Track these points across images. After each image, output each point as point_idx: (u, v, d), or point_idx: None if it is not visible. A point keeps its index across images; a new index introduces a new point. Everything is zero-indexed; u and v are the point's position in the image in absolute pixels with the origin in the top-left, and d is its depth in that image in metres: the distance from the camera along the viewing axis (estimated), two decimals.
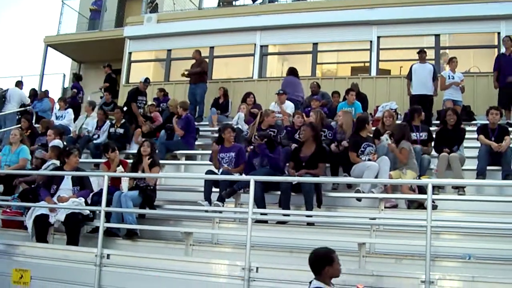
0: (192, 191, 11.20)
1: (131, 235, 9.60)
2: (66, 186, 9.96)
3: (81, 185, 10.06)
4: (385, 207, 9.79)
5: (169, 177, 12.13)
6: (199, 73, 17.49)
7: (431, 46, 17.39)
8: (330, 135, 11.57)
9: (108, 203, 9.36)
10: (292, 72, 16.73)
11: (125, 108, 15.86)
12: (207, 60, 18.94)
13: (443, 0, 17.58)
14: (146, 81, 16.63)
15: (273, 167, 10.22)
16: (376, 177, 9.89)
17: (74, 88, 20.27)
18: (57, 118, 16.19)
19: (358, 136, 10.68)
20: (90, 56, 23.22)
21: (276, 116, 13.06)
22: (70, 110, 16.66)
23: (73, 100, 19.10)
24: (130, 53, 21.08)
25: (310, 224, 9.40)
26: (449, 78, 14.46)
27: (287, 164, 10.60)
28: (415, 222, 8.63)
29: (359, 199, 10.10)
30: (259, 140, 10.46)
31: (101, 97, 19.39)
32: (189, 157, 13.59)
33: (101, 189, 9.28)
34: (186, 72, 17.71)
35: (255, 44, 19.38)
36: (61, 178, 10.08)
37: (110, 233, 9.63)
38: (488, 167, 10.47)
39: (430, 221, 7.02)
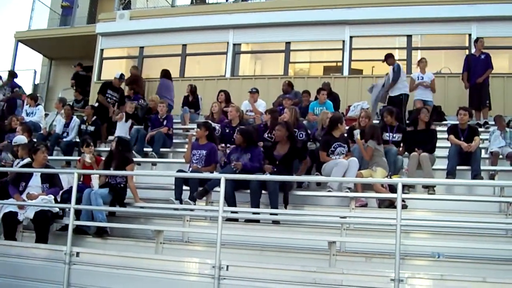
0: (163, 189, 11.17)
1: (101, 233, 9.56)
2: (35, 183, 9.89)
3: (51, 182, 10.00)
4: (356, 206, 9.86)
5: (141, 175, 12.07)
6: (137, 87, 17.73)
7: (403, 47, 17.55)
8: (302, 135, 11.57)
9: (78, 201, 9.27)
10: (166, 74, 17.11)
11: (96, 104, 15.76)
12: (179, 57, 18.99)
13: (415, 1, 17.71)
14: (121, 77, 16.49)
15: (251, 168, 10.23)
16: (345, 175, 9.95)
17: (13, 87, 19.62)
18: (27, 114, 16.01)
19: (330, 136, 10.74)
20: (61, 52, 22.98)
21: (248, 114, 13.08)
22: (41, 107, 16.49)
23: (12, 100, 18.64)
24: (102, 50, 20.91)
25: (276, 222, 9.43)
26: (418, 79, 14.52)
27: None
28: (385, 221, 8.70)
29: (330, 190, 10.19)
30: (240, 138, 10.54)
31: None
32: (160, 155, 13.53)
33: (71, 187, 9.17)
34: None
35: (228, 43, 19.36)
36: (30, 175, 9.99)
37: (80, 231, 9.57)
38: (458, 167, 10.61)
39: (400, 220, 7.08)
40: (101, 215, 9.59)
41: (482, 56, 14.66)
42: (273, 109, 12.85)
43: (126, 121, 14.25)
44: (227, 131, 12.28)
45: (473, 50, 15.95)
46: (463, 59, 15.85)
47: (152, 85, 19.38)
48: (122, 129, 13.98)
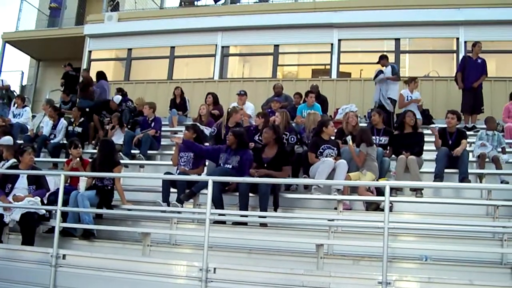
0: (151, 191, 11.12)
1: (87, 235, 9.50)
2: (22, 185, 9.83)
3: (37, 184, 9.94)
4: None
5: (128, 177, 12.01)
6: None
7: (391, 50, 17.59)
8: (292, 139, 11.57)
9: (65, 203, 9.24)
10: (102, 75, 17.36)
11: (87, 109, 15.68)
12: (167, 60, 19.05)
13: (403, 5, 17.80)
14: (120, 103, 16.16)
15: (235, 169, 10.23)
16: (332, 177, 10.00)
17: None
18: (14, 116, 15.94)
19: (319, 138, 10.74)
20: (49, 53, 22.92)
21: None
22: (28, 109, 16.44)
23: None
24: (90, 52, 20.88)
25: (263, 225, 9.43)
26: (407, 98, 14.42)
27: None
28: (373, 224, 8.68)
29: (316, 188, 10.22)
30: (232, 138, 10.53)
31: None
32: (148, 158, 13.50)
33: (58, 189, 9.13)
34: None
35: (216, 45, 19.39)
36: (16, 177, 9.94)
37: (67, 233, 9.50)
38: (445, 170, 10.62)
39: (387, 223, 7.09)
40: (88, 217, 9.54)
41: (479, 61, 14.62)
42: (265, 112, 12.83)
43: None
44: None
45: (461, 54, 16.08)
46: (451, 63, 16.00)
47: (139, 87, 19.36)
48: (119, 137, 13.90)
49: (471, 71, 14.55)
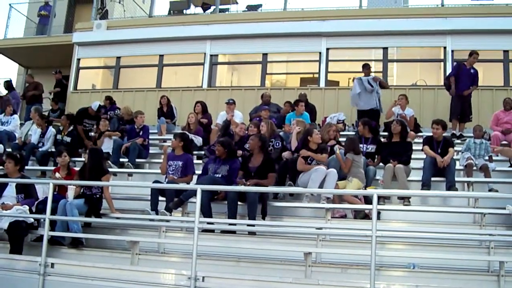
0: (139, 199, 11.13)
1: (76, 244, 9.48)
2: (10, 194, 9.77)
3: (26, 193, 9.88)
4: (334, 217, 9.91)
5: (116, 186, 11.99)
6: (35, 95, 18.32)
7: (379, 59, 17.69)
8: (278, 144, 11.64)
9: (54, 211, 9.21)
10: (11, 86, 17.85)
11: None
12: (156, 68, 19.13)
13: (391, 14, 17.94)
14: (99, 109, 16.20)
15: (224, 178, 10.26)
16: (322, 185, 10.03)
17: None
18: (2, 124, 15.88)
19: (306, 148, 10.75)
20: (38, 61, 22.81)
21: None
22: (16, 116, 16.35)
23: None
24: (78, 60, 20.79)
25: (252, 233, 9.46)
26: (396, 116, 14.40)
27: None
28: (361, 232, 8.71)
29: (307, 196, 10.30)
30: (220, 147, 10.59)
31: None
32: (136, 166, 13.50)
33: (46, 197, 9.11)
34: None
35: (205, 53, 19.38)
36: (5, 185, 9.89)
37: (55, 242, 9.47)
38: (433, 178, 10.70)
39: (375, 231, 7.13)
40: (77, 225, 9.51)
41: (472, 71, 14.60)
42: (257, 122, 12.90)
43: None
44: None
45: (448, 63, 16.22)
46: (438, 72, 16.11)
47: (127, 96, 19.36)
48: (108, 145, 13.88)
49: (463, 79, 14.53)
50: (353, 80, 15.33)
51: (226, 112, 14.74)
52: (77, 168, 11.36)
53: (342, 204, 10.16)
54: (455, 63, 14.93)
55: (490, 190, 10.80)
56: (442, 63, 17.36)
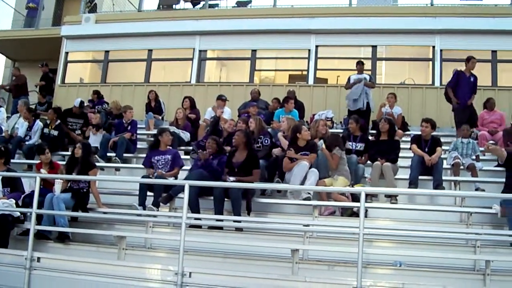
0: (126, 194, 11.10)
1: (62, 238, 9.44)
2: None
3: (12, 186, 9.84)
4: (323, 214, 9.98)
5: (104, 180, 11.94)
6: (20, 86, 18.41)
7: (368, 57, 17.71)
8: (266, 141, 11.63)
9: (40, 205, 9.18)
10: None
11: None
12: (144, 63, 19.21)
13: (381, 13, 17.98)
14: (81, 105, 16.08)
15: (212, 173, 10.26)
16: (304, 183, 10.08)
17: None
18: None
19: (295, 145, 10.75)
20: (25, 54, 22.64)
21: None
22: (2, 109, 16.29)
23: None
24: (66, 53, 20.72)
25: (239, 229, 9.49)
26: (384, 115, 14.37)
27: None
28: (348, 230, 8.74)
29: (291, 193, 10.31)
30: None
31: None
32: (124, 161, 13.46)
33: (33, 191, 9.06)
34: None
35: (194, 49, 19.36)
36: None
37: (41, 236, 9.43)
38: (420, 177, 10.72)
39: (362, 229, 7.14)
40: (63, 220, 9.48)
41: (472, 79, 14.01)
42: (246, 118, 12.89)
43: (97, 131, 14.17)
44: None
45: (436, 62, 16.25)
46: (427, 70, 16.14)
47: (115, 90, 19.30)
48: (96, 140, 13.83)
49: (463, 88, 13.96)
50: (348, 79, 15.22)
51: (216, 108, 14.66)
52: (61, 162, 11.33)
53: (329, 201, 10.17)
54: (454, 71, 14.39)
55: (477, 189, 10.83)
56: (430, 62, 17.45)
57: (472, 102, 13.91)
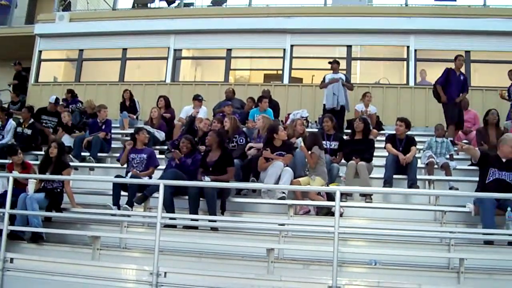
0: (100, 194, 11.03)
1: (36, 238, 9.36)
2: None
3: None
4: (298, 214, 10.01)
5: (78, 180, 11.86)
6: None
7: (343, 57, 17.75)
8: (242, 140, 11.63)
9: (13, 205, 9.08)
10: None
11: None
12: (119, 61, 19.27)
13: (356, 13, 18.07)
14: (57, 101, 16.03)
15: (187, 173, 10.24)
16: (279, 182, 10.10)
17: None
18: None
19: (270, 145, 10.76)
20: None
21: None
22: None
23: None
24: (40, 52, 20.50)
25: (214, 229, 9.48)
26: (361, 113, 14.39)
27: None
28: (323, 229, 8.76)
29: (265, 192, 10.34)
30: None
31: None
32: (98, 160, 13.38)
33: (6, 191, 8.98)
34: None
35: (168, 48, 19.30)
36: None
37: (15, 237, 9.32)
38: (395, 176, 10.77)
39: (337, 228, 7.16)
40: (37, 220, 9.40)
41: (462, 77, 13.94)
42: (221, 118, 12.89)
43: (70, 133, 14.04)
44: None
45: (411, 62, 16.36)
46: (401, 70, 16.21)
47: (90, 89, 19.17)
48: (69, 140, 13.72)
49: (453, 86, 13.80)
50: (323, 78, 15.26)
51: (194, 108, 14.67)
52: (34, 162, 11.23)
53: (304, 200, 10.18)
54: (444, 69, 14.18)
55: (450, 188, 10.95)
56: (405, 62, 17.56)
57: (461, 99, 13.83)
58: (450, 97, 13.74)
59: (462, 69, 14.24)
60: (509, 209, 8.42)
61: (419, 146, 11.92)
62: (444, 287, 7.51)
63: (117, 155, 12.98)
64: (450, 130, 13.18)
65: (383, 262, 8.24)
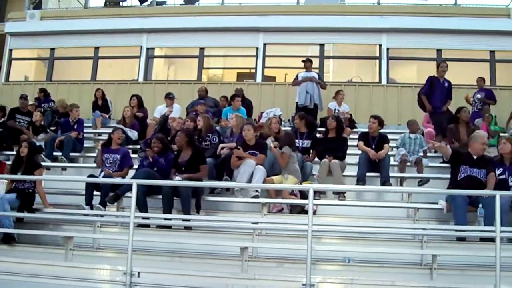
0: (73, 194, 10.94)
1: (8, 239, 9.24)
2: None
3: None
4: (272, 212, 10.05)
5: (50, 180, 11.76)
6: None
7: (315, 55, 17.83)
8: (215, 139, 11.62)
9: None
10: None
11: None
12: (91, 60, 19.19)
13: (328, 11, 18.18)
14: (25, 97, 15.67)
15: (160, 172, 10.21)
16: (251, 181, 10.13)
17: None
18: None
19: (243, 144, 10.76)
20: None
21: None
22: None
23: None
24: (10, 50, 20.34)
25: (187, 228, 9.47)
26: (334, 111, 14.46)
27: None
28: (297, 227, 8.78)
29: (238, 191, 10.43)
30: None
31: None
32: (70, 160, 13.27)
33: None
34: None
35: (141, 46, 19.26)
36: None
37: None
38: (368, 174, 10.83)
39: (311, 226, 7.18)
40: (8, 221, 9.29)
41: (446, 84, 13.51)
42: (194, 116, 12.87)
43: (37, 134, 13.90)
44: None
45: (383, 61, 16.46)
46: (374, 69, 16.30)
47: (61, 88, 19.01)
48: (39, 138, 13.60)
49: (437, 94, 13.40)
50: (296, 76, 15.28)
51: (166, 106, 14.64)
52: (7, 162, 11.13)
53: (278, 199, 10.19)
54: (428, 78, 13.74)
55: (420, 181, 11.08)
56: (377, 61, 17.68)
57: (445, 109, 13.48)
58: (435, 106, 13.43)
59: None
60: (480, 205, 8.53)
61: (391, 143, 12.01)
62: (417, 284, 7.53)
63: (90, 154, 12.96)
64: (438, 139, 12.45)
65: (357, 259, 8.29)
